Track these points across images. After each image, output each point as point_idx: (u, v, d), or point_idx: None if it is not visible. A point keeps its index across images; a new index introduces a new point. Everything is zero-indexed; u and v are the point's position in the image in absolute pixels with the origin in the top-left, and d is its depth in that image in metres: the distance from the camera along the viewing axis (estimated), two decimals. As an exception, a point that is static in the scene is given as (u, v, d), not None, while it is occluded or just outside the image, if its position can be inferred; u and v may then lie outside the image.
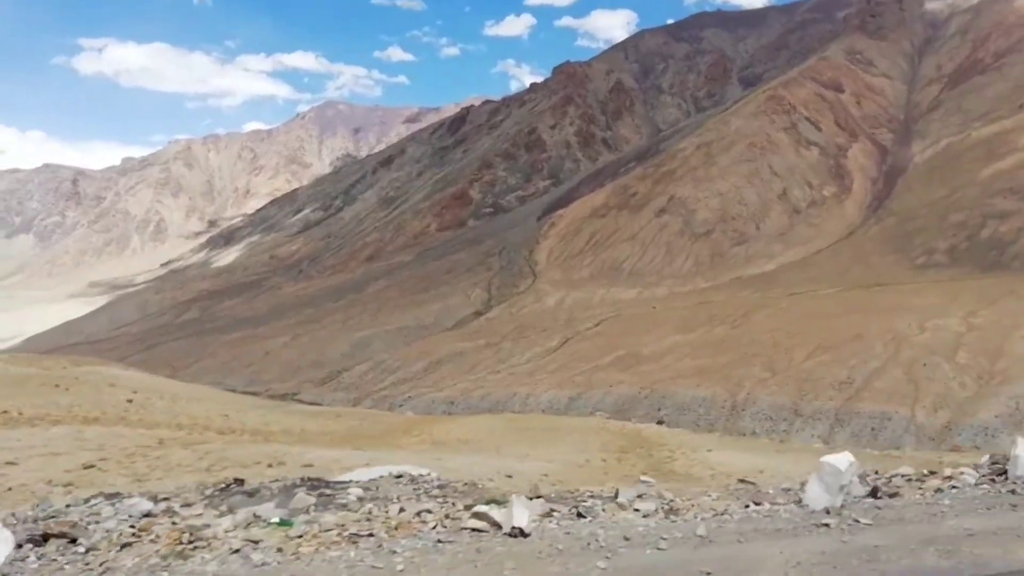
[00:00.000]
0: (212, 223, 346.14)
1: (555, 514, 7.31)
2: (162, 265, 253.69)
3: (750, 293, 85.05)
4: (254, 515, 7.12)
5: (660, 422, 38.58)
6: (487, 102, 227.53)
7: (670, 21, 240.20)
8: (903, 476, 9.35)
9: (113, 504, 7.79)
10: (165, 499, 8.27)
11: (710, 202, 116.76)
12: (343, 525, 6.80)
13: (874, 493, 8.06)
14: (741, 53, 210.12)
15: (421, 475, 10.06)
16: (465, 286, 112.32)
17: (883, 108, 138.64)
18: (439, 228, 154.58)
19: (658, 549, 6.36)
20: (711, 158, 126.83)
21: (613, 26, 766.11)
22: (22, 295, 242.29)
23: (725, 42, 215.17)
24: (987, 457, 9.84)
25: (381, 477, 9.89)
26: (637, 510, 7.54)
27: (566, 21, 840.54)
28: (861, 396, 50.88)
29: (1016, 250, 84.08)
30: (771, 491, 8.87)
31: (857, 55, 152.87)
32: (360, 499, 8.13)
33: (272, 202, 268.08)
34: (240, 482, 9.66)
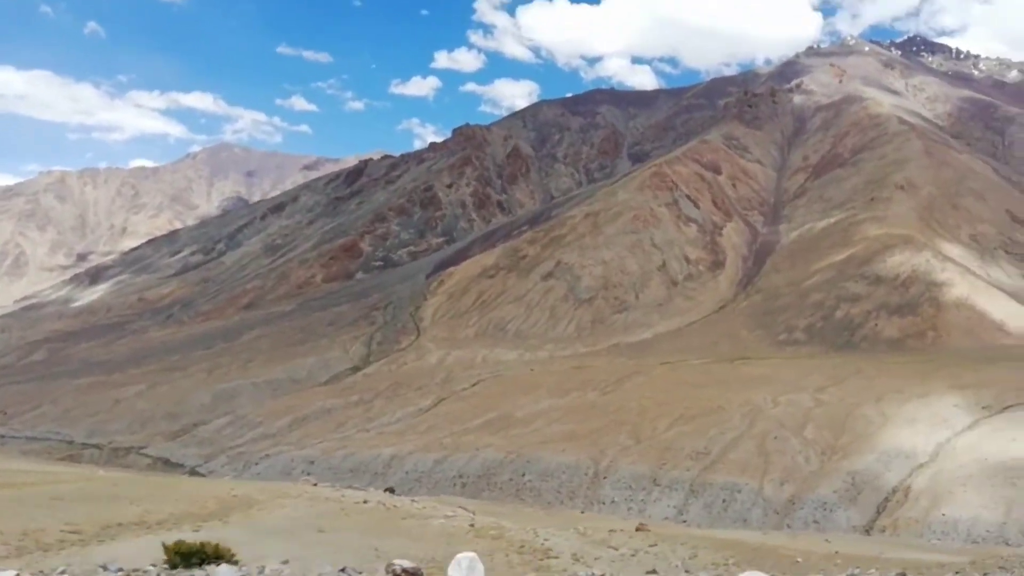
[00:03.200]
0: (81, 257, 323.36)
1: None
2: (16, 301, 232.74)
3: (625, 360, 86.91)
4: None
5: (389, 490, 38.89)
6: (386, 157, 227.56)
7: (569, 95, 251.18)
8: None
9: None
10: None
11: (594, 269, 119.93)
12: None
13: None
14: (632, 130, 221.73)
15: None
16: (345, 340, 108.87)
17: (755, 192, 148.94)
18: (325, 279, 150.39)
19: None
20: (598, 227, 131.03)
21: (515, 95, 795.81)
22: None
23: (618, 119, 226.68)
24: None
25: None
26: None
27: (471, 87, 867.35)
28: (716, 467, 52.09)
29: (864, 332, 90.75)
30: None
31: (734, 141, 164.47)
32: None
33: (149, 242, 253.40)
34: None
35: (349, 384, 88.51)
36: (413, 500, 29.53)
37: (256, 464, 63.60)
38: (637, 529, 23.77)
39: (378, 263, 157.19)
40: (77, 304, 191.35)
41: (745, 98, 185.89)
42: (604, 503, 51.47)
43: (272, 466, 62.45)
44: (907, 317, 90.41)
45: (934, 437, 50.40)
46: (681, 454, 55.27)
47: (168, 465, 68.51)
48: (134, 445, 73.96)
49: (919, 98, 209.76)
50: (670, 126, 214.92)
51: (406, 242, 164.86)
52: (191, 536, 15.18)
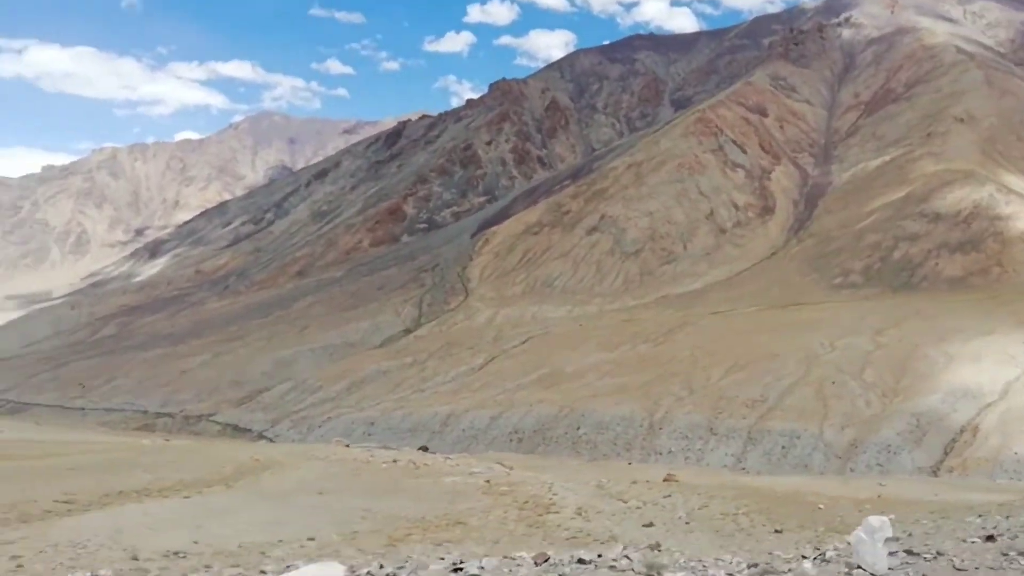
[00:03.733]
0: (139, 232, 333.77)
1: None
2: (82, 279, 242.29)
3: (674, 311, 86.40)
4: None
5: (423, 448, 39.23)
6: (424, 117, 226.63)
7: (606, 43, 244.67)
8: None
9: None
10: None
11: (640, 221, 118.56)
12: None
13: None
14: (673, 76, 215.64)
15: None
16: (396, 303, 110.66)
17: (804, 133, 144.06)
18: (372, 243, 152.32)
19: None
20: (641, 178, 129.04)
21: (551, 45, 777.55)
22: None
23: (658, 65, 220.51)
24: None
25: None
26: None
27: (505, 40, 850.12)
28: (773, 414, 51.90)
29: (924, 272, 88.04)
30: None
31: (781, 81, 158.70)
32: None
33: (201, 214, 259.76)
34: None
35: (402, 346, 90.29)
36: (447, 457, 29.88)
37: (320, 427, 65.83)
38: (665, 480, 23.76)
39: (422, 225, 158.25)
40: (139, 279, 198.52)
41: (791, 36, 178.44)
42: (661, 453, 51.92)
43: (333, 428, 64.52)
44: (970, 254, 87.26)
45: (1002, 375, 49.11)
46: (736, 402, 55.14)
47: (237, 430, 71.47)
48: (204, 413, 77.24)
49: (978, 24, 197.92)
50: (713, 69, 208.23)
51: (449, 202, 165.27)
52: (178, 504, 15.66)
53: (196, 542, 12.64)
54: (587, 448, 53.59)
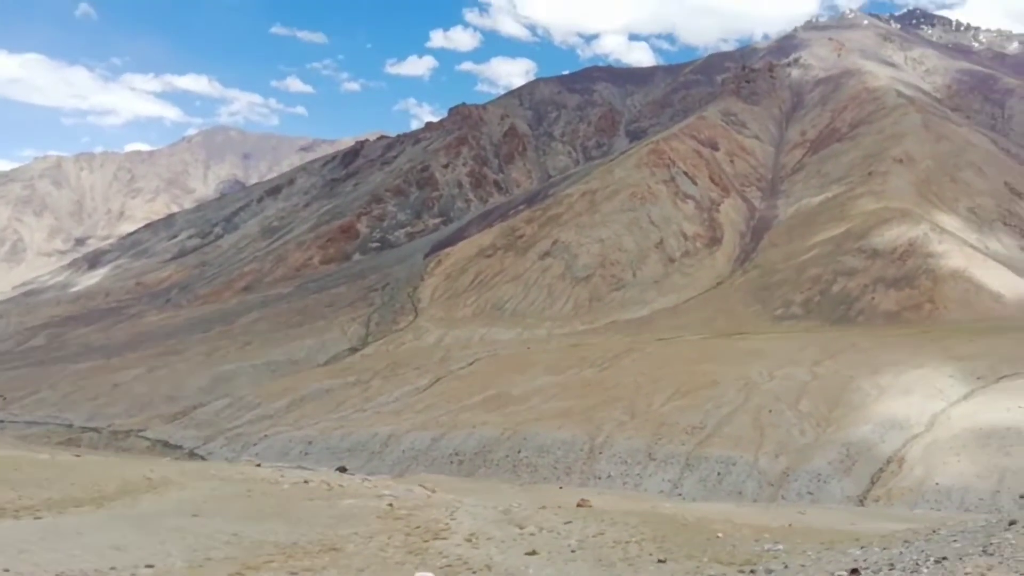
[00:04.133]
0: (80, 242, 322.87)
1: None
2: (14, 287, 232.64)
3: (622, 337, 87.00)
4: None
5: (341, 468, 37.63)
6: (382, 137, 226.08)
7: (565, 72, 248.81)
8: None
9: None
10: None
11: (592, 247, 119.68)
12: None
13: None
14: (629, 107, 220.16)
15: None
16: (343, 321, 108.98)
17: (753, 167, 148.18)
18: (322, 261, 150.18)
19: None
20: (595, 205, 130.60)
21: (512, 73, 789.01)
22: None
23: (615, 96, 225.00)
24: None
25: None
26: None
27: (467, 66, 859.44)
28: (711, 441, 52.29)
29: (861, 306, 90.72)
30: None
31: (732, 116, 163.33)
32: None
33: (147, 226, 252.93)
34: None
35: (347, 365, 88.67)
36: (365, 479, 28.71)
37: (254, 445, 63.88)
38: (578, 505, 23.01)
39: (375, 244, 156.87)
40: (75, 289, 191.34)
41: (743, 73, 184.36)
42: (600, 478, 51.74)
43: (270, 447, 62.76)
44: (904, 290, 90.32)
45: (929, 408, 50.51)
46: (676, 428, 55.46)
47: (167, 447, 68.77)
48: (133, 428, 74.19)
49: (918, 71, 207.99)
50: (668, 103, 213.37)
51: (403, 223, 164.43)
52: (24, 524, 14.48)
53: (7, 570, 11.80)
54: (527, 471, 53.07)
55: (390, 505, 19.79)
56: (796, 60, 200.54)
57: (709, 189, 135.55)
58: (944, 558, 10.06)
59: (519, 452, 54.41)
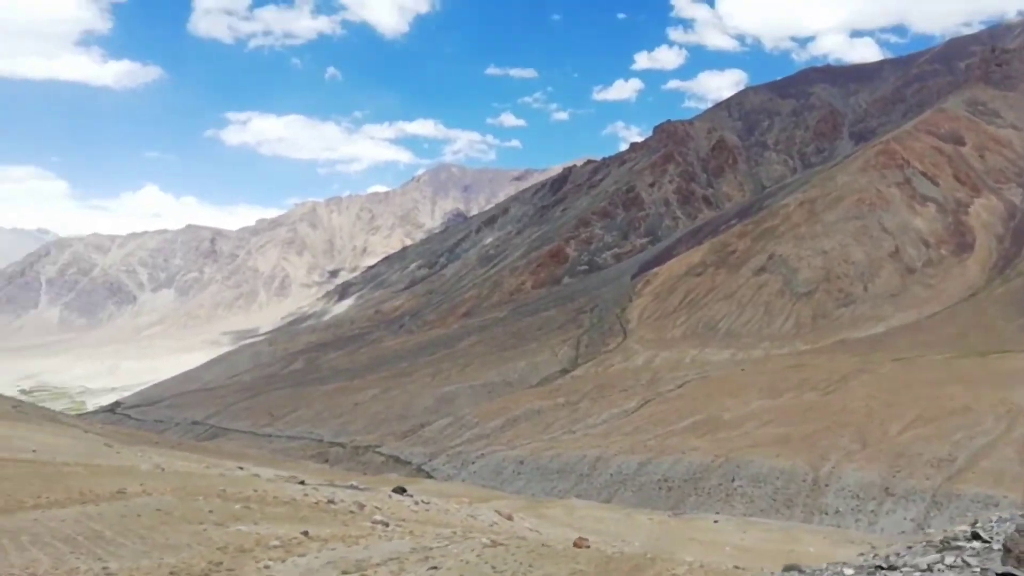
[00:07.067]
0: (332, 274, 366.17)
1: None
2: (282, 318, 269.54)
3: (850, 357, 79.30)
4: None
5: (400, 489, 26.34)
6: (589, 162, 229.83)
7: (777, 79, 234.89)
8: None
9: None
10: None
11: (813, 260, 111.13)
12: None
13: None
14: (853, 107, 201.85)
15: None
16: (554, 343, 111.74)
17: (1010, 161, 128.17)
18: (534, 285, 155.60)
19: None
20: (815, 215, 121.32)
21: (721, 86, 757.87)
22: (160, 344, 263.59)
23: (835, 97, 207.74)
24: None
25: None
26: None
27: (674, 84, 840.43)
28: (964, 476, 45.86)
29: None
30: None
31: (980, 106, 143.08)
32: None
33: (384, 259, 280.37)
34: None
35: (557, 386, 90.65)
36: (424, 502, 23.32)
37: (473, 463, 67.53)
38: (575, 545, 16.41)
39: (583, 267, 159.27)
40: (327, 318, 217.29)
41: (992, 56, 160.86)
42: (827, 513, 47.46)
43: (486, 466, 65.92)
44: None
45: None
46: (919, 460, 49.28)
47: (398, 463, 75.15)
48: (371, 444, 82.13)
49: None
50: (898, 98, 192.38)
51: (610, 244, 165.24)
52: None
53: None
54: (742, 502, 50.25)
55: (383, 521, 15.74)
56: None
57: (954, 189, 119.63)
58: None
59: (732, 481, 51.75)
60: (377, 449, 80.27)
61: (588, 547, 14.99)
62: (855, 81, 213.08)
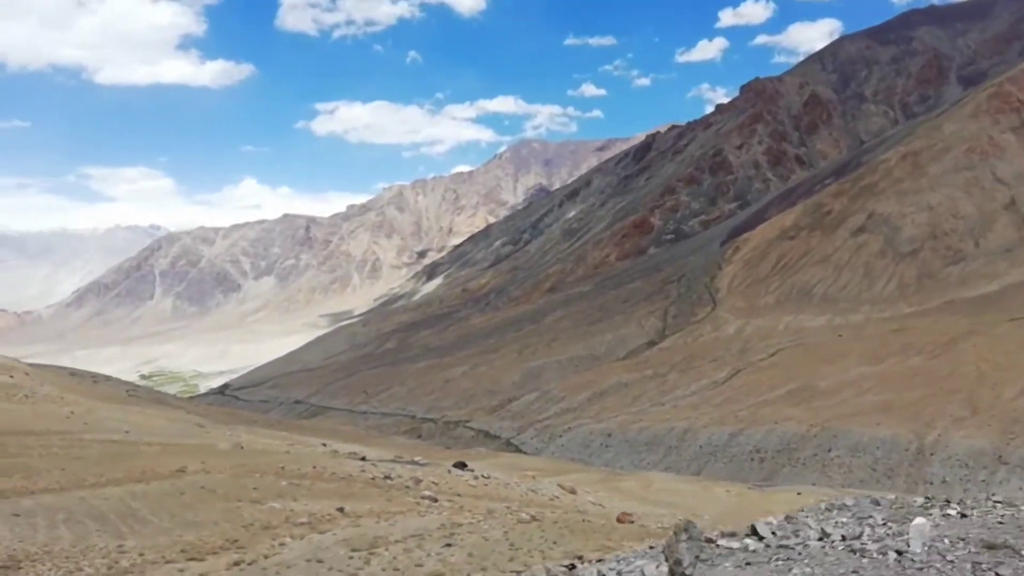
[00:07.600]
0: (420, 255, 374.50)
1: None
2: (375, 299, 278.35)
3: (959, 319, 74.16)
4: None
5: (461, 464, 27.64)
6: (672, 128, 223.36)
7: (875, 24, 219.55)
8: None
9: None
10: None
11: (917, 217, 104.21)
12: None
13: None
14: (961, 50, 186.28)
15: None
16: (640, 315, 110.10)
17: None
18: (619, 257, 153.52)
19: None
20: (919, 168, 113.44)
21: (813, 38, 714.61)
22: (263, 329, 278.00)
23: (940, 40, 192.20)
24: None
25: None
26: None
27: (761, 39, 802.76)
28: (1088, 443, 42.14)
29: None
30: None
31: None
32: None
33: (469, 238, 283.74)
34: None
35: (644, 358, 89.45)
36: (479, 475, 22.90)
37: (560, 436, 67.80)
38: (618, 520, 16.05)
39: (669, 236, 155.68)
40: (416, 298, 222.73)
41: None
42: (932, 483, 44.87)
43: (573, 439, 66.05)
44: None
45: None
46: (1036, 427, 45.71)
47: (488, 437, 76.40)
48: (461, 419, 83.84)
49: None
50: (1014, 35, 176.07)
51: (697, 212, 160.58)
52: None
53: None
54: (840, 473, 48.27)
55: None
56: None
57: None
58: None
59: (829, 451, 49.72)
60: (467, 424, 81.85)
61: (632, 522, 14.73)
62: (963, 20, 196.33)
